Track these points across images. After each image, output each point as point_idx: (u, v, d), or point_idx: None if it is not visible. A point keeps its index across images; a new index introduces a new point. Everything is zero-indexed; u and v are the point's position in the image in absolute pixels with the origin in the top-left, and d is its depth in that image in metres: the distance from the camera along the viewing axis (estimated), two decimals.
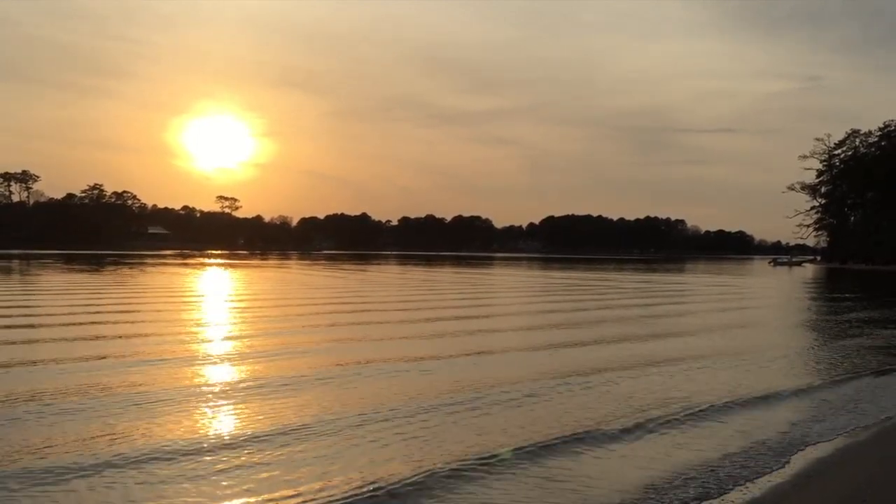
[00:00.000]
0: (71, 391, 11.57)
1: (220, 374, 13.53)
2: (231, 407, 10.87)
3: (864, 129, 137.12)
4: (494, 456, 8.54)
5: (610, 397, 11.94)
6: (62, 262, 75.68)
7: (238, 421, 10.09)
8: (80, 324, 21.22)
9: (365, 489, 7.38)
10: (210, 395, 11.59)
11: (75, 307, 26.69)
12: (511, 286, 50.71)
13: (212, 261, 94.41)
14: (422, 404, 10.98)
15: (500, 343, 18.79)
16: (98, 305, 27.84)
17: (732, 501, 7.50)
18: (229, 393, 11.78)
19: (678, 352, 17.16)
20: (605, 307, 31.36)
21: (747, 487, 7.90)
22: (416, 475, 7.79)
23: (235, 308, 28.37)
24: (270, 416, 10.29)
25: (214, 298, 33.41)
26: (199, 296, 34.86)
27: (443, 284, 49.62)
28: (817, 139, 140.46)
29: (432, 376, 13.43)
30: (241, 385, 12.41)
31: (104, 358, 14.90)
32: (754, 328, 23.77)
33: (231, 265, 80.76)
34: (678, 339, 20.12)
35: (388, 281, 54.18)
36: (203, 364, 14.59)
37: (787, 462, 8.83)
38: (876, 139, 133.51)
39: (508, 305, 32.93)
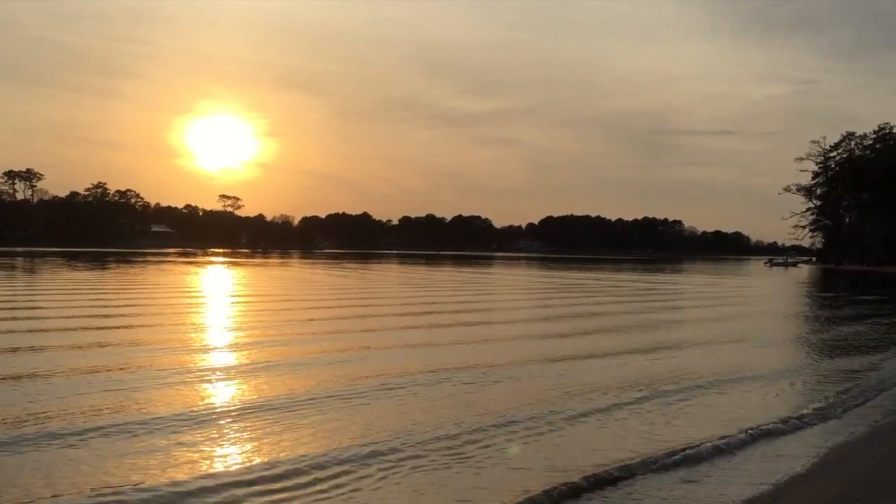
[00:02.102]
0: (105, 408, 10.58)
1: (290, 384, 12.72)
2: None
3: (859, 132, 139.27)
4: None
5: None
6: (68, 260, 76.31)
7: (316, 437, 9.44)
8: (109, 327, 20.55)
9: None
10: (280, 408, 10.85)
11: (94, 307, 26.29)
12: (522, 287, 51.50)
13: (218, 259, 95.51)
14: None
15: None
16: (118, 306, 27.30)
17: (731, 500, 7.62)
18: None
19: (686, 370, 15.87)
20: (630, 312, 30.53)
21: (743, 485, 8.05)
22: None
23: (270, 309, 27.38)
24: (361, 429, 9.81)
25: (241, 299, 32.90)
26: (222, 296, 34.42)
27: (459, 284, 49.60)
28: (813, 141, 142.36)
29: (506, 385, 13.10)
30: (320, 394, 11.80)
31: (139, 367, 13.74)
32: (756, 332, 24.14)
33: (239, 264, 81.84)
34: (691, 349, 18.94)
35: (405, 280, 55.02)
36: (261, 374, 13.66)
37: (784, 460, 9.01)
38: (871, 142, 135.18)
39: (535, 309, 32.44)
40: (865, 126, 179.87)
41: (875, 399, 12.89)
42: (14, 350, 16.09)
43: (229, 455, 8.63)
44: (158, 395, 11.61)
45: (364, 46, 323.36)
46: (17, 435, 9.13)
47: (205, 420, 10.09)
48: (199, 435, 9.37)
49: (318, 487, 7.56)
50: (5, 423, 9.70)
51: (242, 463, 8.34)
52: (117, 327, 20.74)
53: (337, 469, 8.06)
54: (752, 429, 10.27)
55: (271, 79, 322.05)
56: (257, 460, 8.41)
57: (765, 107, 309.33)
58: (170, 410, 10.54)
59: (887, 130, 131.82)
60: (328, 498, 7.33)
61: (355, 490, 7.53)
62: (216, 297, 33.64)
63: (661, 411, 11.29)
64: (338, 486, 7.59)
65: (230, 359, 15.61)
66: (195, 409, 10.72)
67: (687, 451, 9.09)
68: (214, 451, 8.78)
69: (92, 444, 8.85)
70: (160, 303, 29.58)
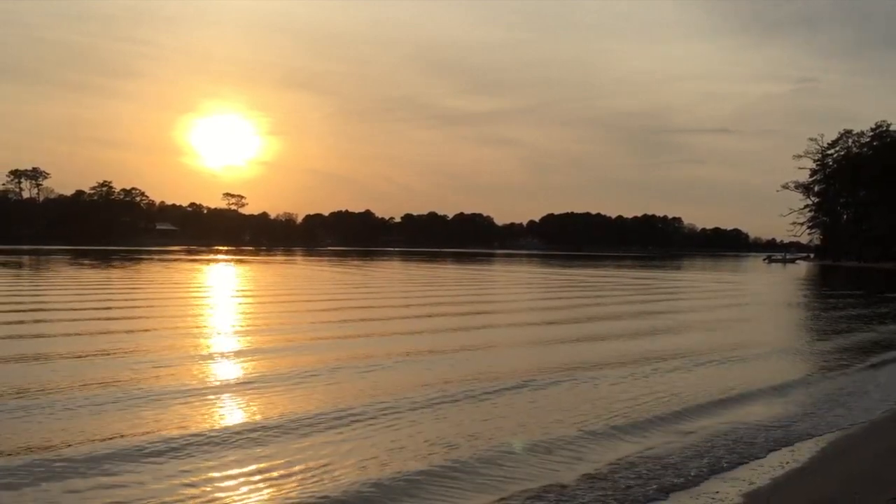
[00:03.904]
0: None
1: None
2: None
3: (856, 130, 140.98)
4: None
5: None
6: (77, 258, 76.50)
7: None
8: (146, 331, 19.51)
9: None
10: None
11: (111, 309, 25.69)
12: (534, 285, 51.82)
13: (225, 257, 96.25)
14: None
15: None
16: (137, 307, 26.54)
17: (727, 494, 7.68)
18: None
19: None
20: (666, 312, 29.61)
21: (742, 480, 8.14)
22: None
23: (296, 310, 26.58)
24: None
25: (263, 299, 31.94)
26: (243, 296, 33.88)
27: (478, 283, 49.73)
28: (811, 139, 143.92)
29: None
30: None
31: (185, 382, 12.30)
32: (756, 322, 25.42)
33: (247, 262, 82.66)
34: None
35: (417, 279, 55.06)
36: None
37: (782, 456, 9.12)
38: (868, 139, 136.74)
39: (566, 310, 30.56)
40: (864, 125, 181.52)
41: (875, 394, 13.10)
42: (29, 358, 14.65)
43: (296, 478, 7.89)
44: (199, 411, 10.68)
45: (364, 46, 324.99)
46: (25, 464, 7.99)
47: (254, 438, 9.25)
48: (242, 455, 8.62)
49: None
50: (16, 451, 8.46)
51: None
52: (136, 331, 19.61)
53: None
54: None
55: (273, 78, 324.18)
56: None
57: (764, 106, 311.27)
58: (209, 428, 9.70)
59: (884, 128, 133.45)
60: None
61: None
62: (237, 297, 32.97)
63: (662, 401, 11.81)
64: None
65: (272, 366, 14.26)
66: (234, 426, 9.83)
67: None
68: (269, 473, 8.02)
69: (112, 472, 7.84)
70: (182, 303, 28.76)
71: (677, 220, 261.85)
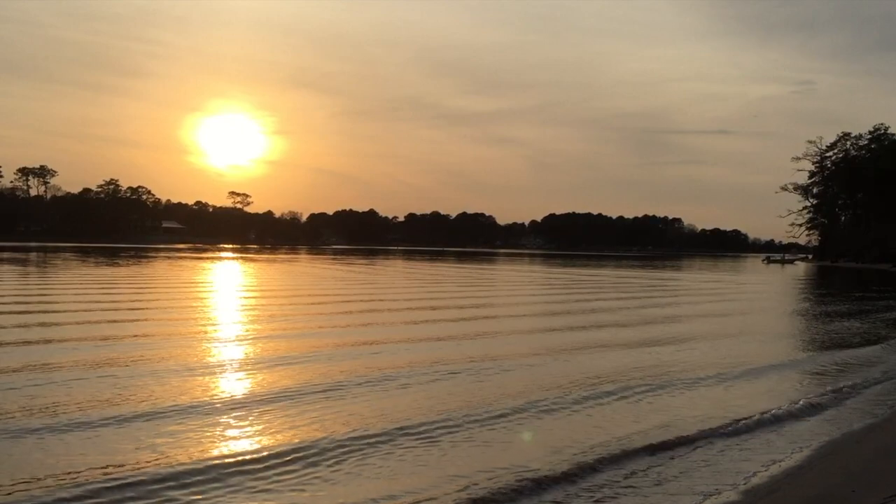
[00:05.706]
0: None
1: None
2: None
3: (854, 133, 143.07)
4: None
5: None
6: (86, 256, 76.56)
7: None
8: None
9: None
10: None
11: (125, 310, 24.73)
12: (542, 285, 52.48)
13: (233, 255, 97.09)
14: None
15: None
16: (152, 308, 25.92)
17: (726, 492, 7.72)
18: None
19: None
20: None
21: (741, 479, 8.16)
22: None
23: (322, 313, 25.75)
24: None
25: (289, 299, 31.18)
26: (261, 296, 33.41)
27: (490, 283, 49.90)
28: (809, 141, 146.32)
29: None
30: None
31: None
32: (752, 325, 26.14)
33: (257, 260, 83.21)
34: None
35: (427, 278, 55.04)
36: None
37: (781, 455, 9.17)
38: (866, 142, 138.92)
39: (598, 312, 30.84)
40: (861, 127, 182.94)
41: (875, 392, 13.32)
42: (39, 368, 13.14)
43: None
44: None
45: (370, 47, 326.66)
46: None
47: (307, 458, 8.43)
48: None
49: None
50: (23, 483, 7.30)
51: None
52: (160, 335, 18.37)
53: None
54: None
55: (280, 78, 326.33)
56: None
57: (762, 107, 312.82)
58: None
59: (882, 131, 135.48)
60: None
61: None
62: (254, 298, 32.37)
63: (658, 401, 11.95)
64: None
65: (305, 376, 13.13)
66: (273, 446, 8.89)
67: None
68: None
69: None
70: (200, 304, 28.28)
71: (677, 220, 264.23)
